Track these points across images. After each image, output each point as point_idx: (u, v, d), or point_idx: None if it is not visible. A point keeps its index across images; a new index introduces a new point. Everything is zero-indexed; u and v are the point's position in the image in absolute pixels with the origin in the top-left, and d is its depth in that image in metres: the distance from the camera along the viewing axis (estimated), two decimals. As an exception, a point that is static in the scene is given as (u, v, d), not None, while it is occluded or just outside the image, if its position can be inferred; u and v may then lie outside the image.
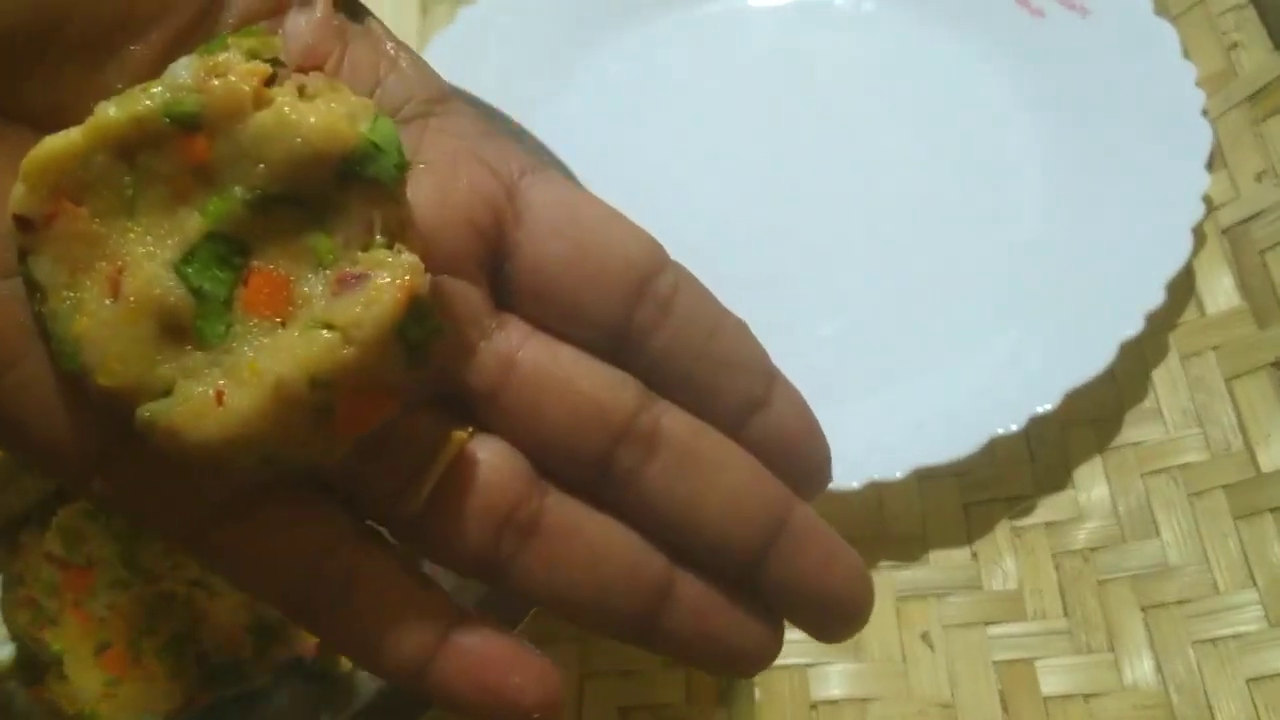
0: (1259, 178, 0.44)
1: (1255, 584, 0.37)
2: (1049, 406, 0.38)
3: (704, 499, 0.21)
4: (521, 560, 0.20)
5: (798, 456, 0.22)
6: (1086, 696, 0.36)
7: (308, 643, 0.34)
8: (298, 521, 0.20)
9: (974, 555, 0.40)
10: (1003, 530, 0.40)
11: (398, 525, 0.21)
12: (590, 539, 0.21)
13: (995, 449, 0.39)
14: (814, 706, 0.38)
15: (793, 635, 0.39)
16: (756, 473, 0.21)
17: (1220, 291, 0.42)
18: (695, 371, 0.21)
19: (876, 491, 0.41)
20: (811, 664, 0.38)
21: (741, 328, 0.22)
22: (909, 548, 0.40)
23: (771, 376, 0.22)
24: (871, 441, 0.40)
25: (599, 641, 0.40)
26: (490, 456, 0.20)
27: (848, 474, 0.38)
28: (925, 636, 0.38)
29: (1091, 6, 0.47)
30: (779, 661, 0.39)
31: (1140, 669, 0.36)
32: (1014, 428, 0.38)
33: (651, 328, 0.21)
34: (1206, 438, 0.40)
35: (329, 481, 0.20)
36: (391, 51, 0.21)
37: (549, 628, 0.40)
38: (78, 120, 0.18)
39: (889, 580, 0.40)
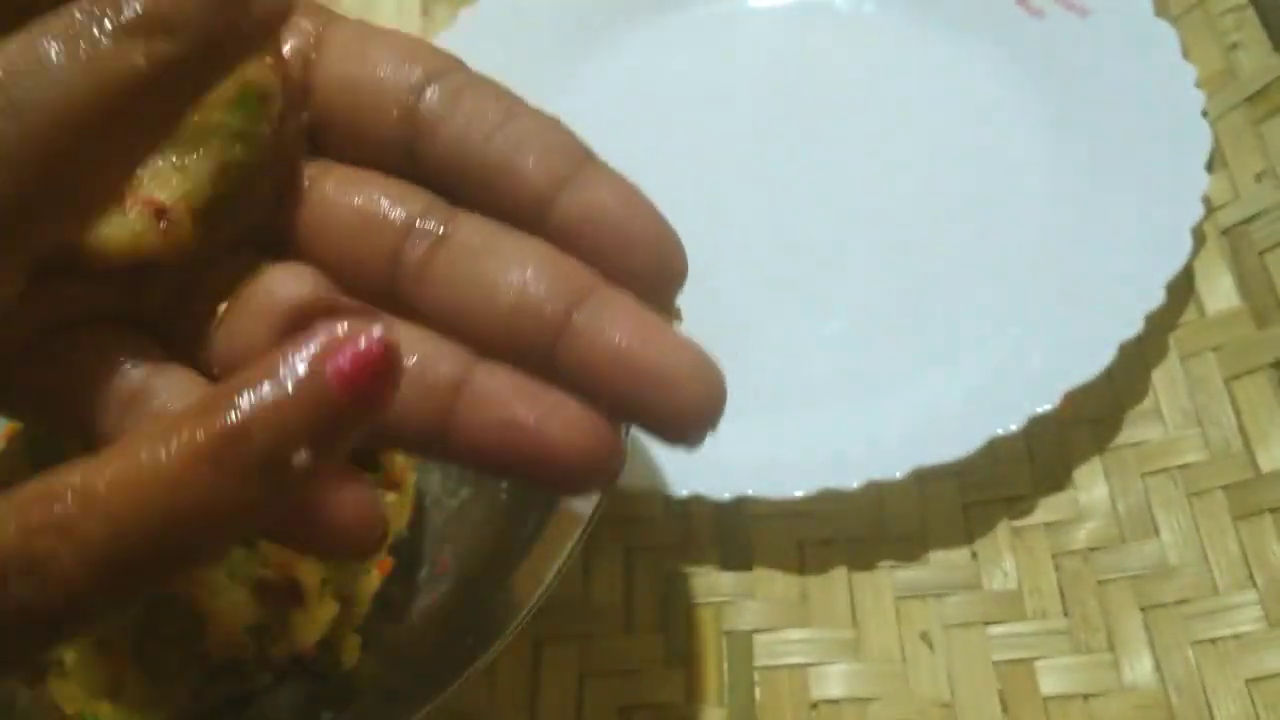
0: (1259, 178, 0.44)
1: (1255, 584, 0.37)
2: (1049, 407, 0.38)
3: (488, 284, 0.19)
4: None
5: (615, 235, 0.19)
6: (1086, 696, 0.36)
7: (308, 642, 0.34)
8: (98, 346, 0.20)
9: (973, 555, 0.40)
10: (1002, 530, 0.40)
11: (197, 355, 0.20)
12: None
13: (995, 449, 0.39)
14: (814, 706, 0.38)
15: (796, 635, 0.40)
16: (548, 255, 0.19)
17: (1220, 292, 0.42)
18: (486, 161, 0.20)
19: (876, 491, 0.41)
20: (811, 664, 0.39)
21: (545, 115, 0.21)
22: (908, 548, 0.40)
23: (582, 156, 0.20)
24: (871, 441, 0.40)
25: (599, 640, 0.40)
26: (282, 272, 0.20)
27: (847, 474, 0.38)
28: (925, 636, 0.38)
29: (1091, 7, 0.47)
30: (778, 661, 0.39)
31: (1140, 669, 0.36)
32: (1013, 428, 0.38)
33: (435, 123, 0.20)
34: (1206, 438, 0.40)
35: (139, 313, 0.20)
36: None
37: (547, 628, 0.40)
38: None
39: (888, 580, 0.40)
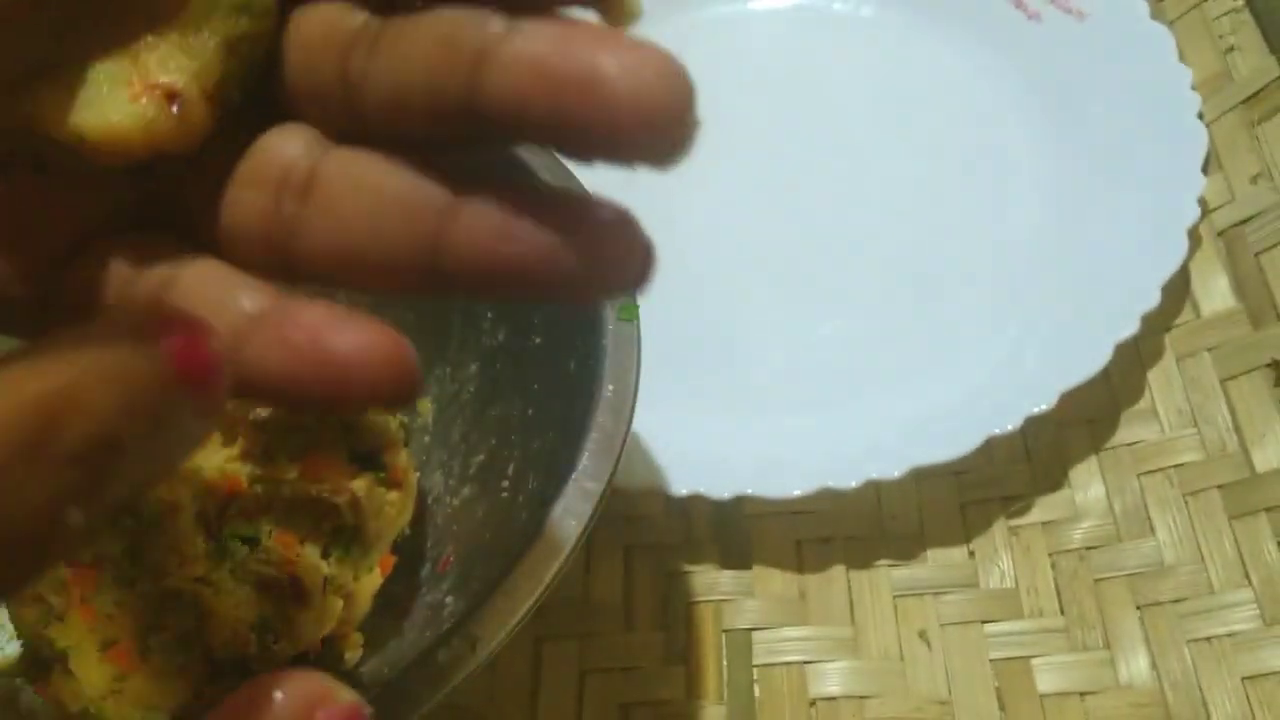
0: (1254, 180, 0.44)
1: (1250, 583, 0.37)
2: (1045, 406, 0.38)
3: (407, 54, 0.17)
4: (305, 222, 0.18)
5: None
6: (1082, 694, 0.37)
7: (311, 640, 0.34)
8: (128, 258, 0.19)
9: (971, 554, 0.40)
10: (999, 529, 0.40)
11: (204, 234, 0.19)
12: (359, 173, 0.18)
13: (992, 449, 0.39)
14: (812, 703, 0.38)
15: (794, 633, 0.40)
16: (476, 11, 0.16)
17: (1215, 293, 0.43)
18: None
19: (874, 490, 0.41)
20: (809, 661, 0.39)
21: None
22: (906, 546, 0.41)
23: None
24: (869, 441, 0.40)
25: (599, 638, 0.40)
26: (277, 134, 0.19)
27: (846, 473, 0.38)
28: (923, 634, 0.39)
29: (1088, 10, 0.48)
30: (777, 659, 0.40)
31: (1136, 667, 0.37)
32: (1010, 428, 0.38)
33: None
34: (1202, 438, 0.40)
35: (151, 212, 0.20)
36: None
37: (547, 626, 0.40)
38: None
39: (886, 579, 0.40)
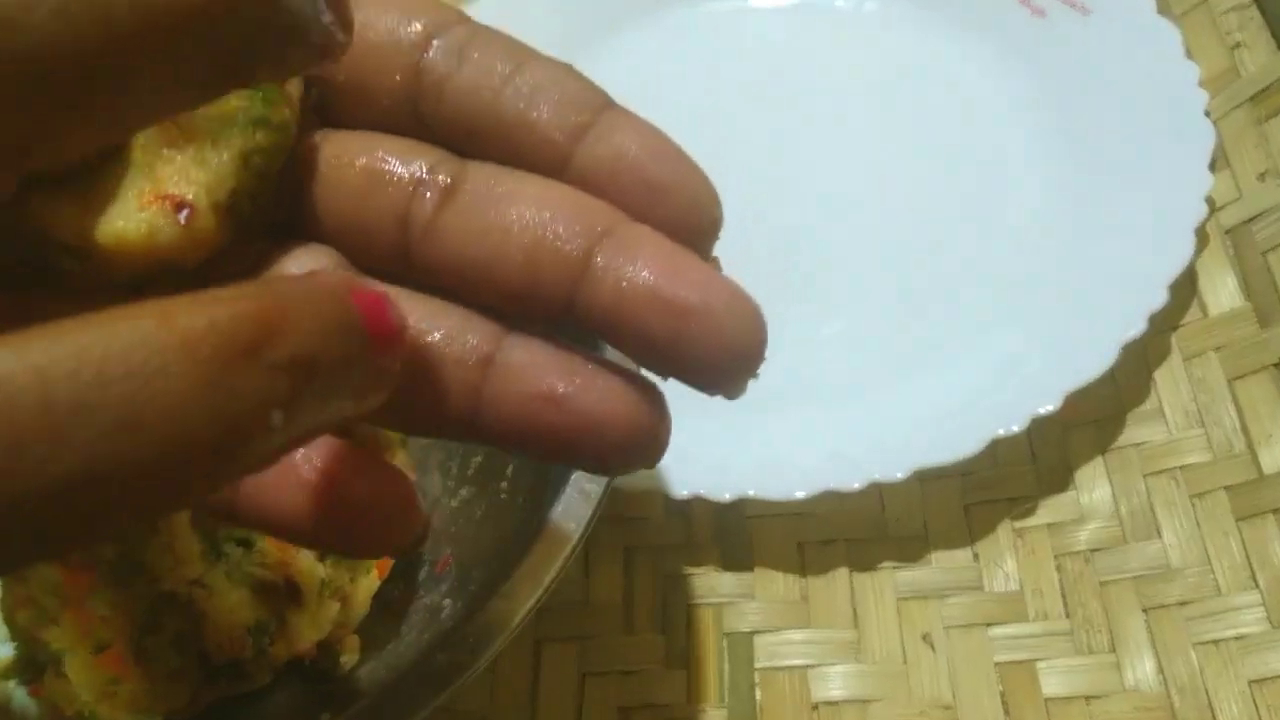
0: (1262, 178, 0.44)
1: (1257, 585, 0.37)
2: (1051, 407, 0.38)
3: (502, 228, 0.17)
4: None
5: (643, 180, 0.17)
6: (1088, 698, 0.36)
7: (307, 643, 0.34)
8: None
9: (975, 556, 0.40)
10: (1004, 531, 0.40)
11: None
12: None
13: (997, 450, 0.38)
14: (815, 707, 0.38)
15: (797, 636, 0.40)
16: (566, 196, 0.17)
17: (1223, 292, 0.42)
18: (500, 110, 0.18)
19: (878, 492, 0.41)
20: (812, 665, 0.38)
21: (559, 64, 0.19)
22: (910, 548, 0.40)
23: (601, 104, 0.18)
24: (873, 442, 0.40)
25: (599, 641, 0.40)
26: (295, 256, 0.18)
27: (848, 474, 0.38)
28: (926, 637, 0.38)
29: (1093, 6, 0.47)
30: (779, 662, 0.39)
31: (1142, 670, 0.36)
32: (1015, 428, 0.38)
33: (443, 76, 0.18)
34: (1209, 439, 0.40)
35: None
36: None
37: (547, 628, 0.40)
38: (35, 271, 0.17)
39: (890, 581, 0.40)
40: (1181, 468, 0.40)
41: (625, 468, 0.17)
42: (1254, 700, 0.35)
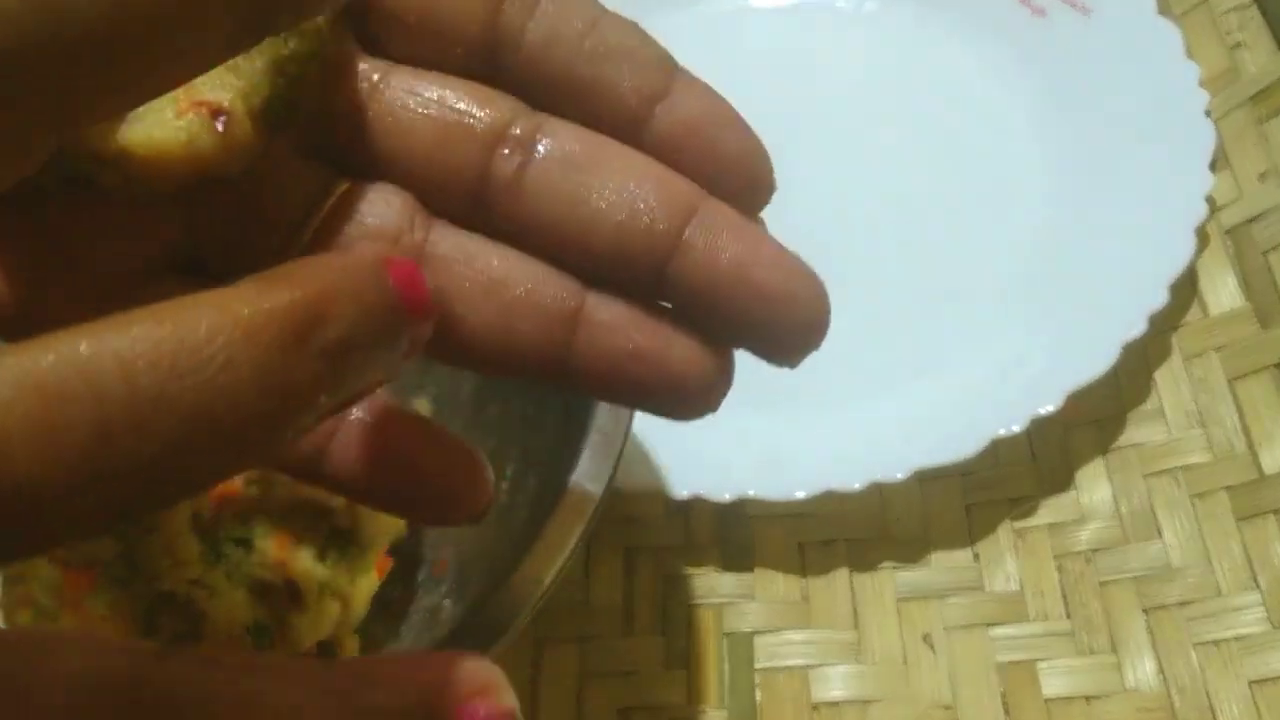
0: (1262, 178, 0.43)
1: (1258, 586, 0.37)
2: (1051, 407, 0.38)
3: (590, 201, 0.18)
4: None
5: (713, 149, 0.19)
6: (1088, 698, 0.36)
7: (307, 644, 0.34)
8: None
9: (976, 556, 0.40)
10: (1005, 531, 0.40)
11: None
12: (483, 265, 0.18)
13: (997, 450, 0.38)
14: (815, 708, 0.38)
15: (797, 636, 0.39)
16: (651, 168, 0.18)
17: (1223, 292, 0.42)
18: (575, 70, 0.18)
19: (878, 492, 0.41)
20: (813, 665, 0.38)
21: (629, 23, 0.20)
22: (911, 549, 0.40)
23: (671, 69, 0.19)
24: (873, 442, 0.40)
25: (599, 642, 0.40)
26: (367, 197, 0.18)
27: (849, 475, 0.38)
28: (927, 638, 0.38)
29: (1094, 6, 0.47)
30: (779, 663, 0.39)
31: (1142, 671, 0.36)
32: (1016, 429, 0.38)
33: (518, 30, 0.18)
34: (1209, 439, 0.40)
35: (206, 255, 0.19)
36: None
37: (546, 629, 0.40)
38: None
39: (890, 581, 0.40)
40: (1182, 468, 0.39)
41: (693, 416, 0.19)
42: (1254, 700, 0.35)
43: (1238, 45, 0.47)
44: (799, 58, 0.52)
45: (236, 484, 0.34)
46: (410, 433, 0.20)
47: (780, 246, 0.19)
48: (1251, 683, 0.35)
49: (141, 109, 0.18)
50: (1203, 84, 0.44)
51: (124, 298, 0.17)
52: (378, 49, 0.19)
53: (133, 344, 0.13)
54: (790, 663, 0.39)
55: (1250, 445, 0.39)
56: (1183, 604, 0.37)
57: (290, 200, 0.19)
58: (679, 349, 0.18)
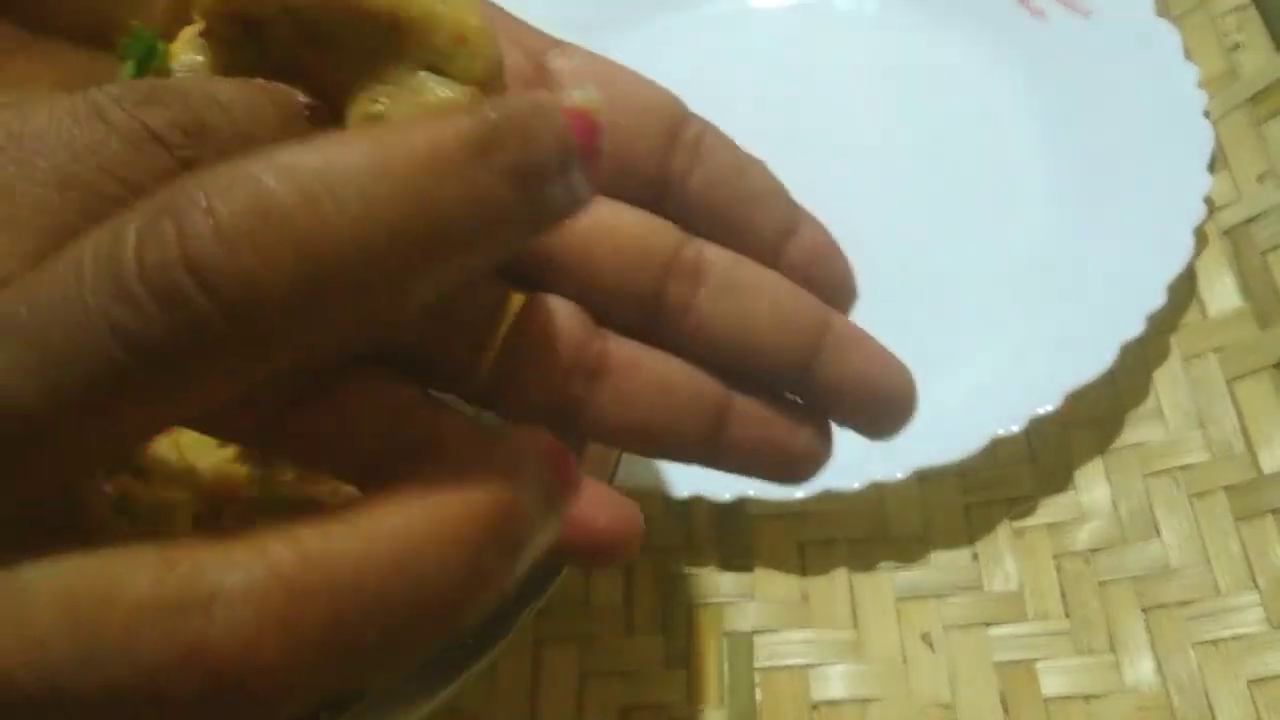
0: (1261, 179, 0.44)
1: (1256, 585, 0.37)
2: (1050, 407, 0.38)
3: (752, 319, 0.22)
4: (593, 401, 0.21)
5: (830, 274, 0.24)
6: (1087, 698, 0.36)
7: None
8: (372, 394, 0.20)
9: (975, 556, 0.40)
10: (1004, 531, 0.40)
11: (466, 389, 0.21)
12: (653, 372, 0.22)
13: (996, 450, 0.39)
14: (814, 707, 0.38)
15: (797, 635, 0.40)
16: (796, 292, 0.23)
17: (1222, 293, 0.42)
18: (730, 208, 0.23)
19: (877, 492, 0.41)
20: (812, 664, 0.38)
21: (764, 166, 0.25)
22: (909, 548, 0.40)
23: (795, 206, 0.25)
24: (872, 442, 0.39)
25: (599, 641, 0.40)
26: (549, 311, 0.21)
27: (848, 475, 0.38)
28: (926, 637, 0.38)
29: (1093, 8, 0.47)
30: (779, 662, 0.39)
31: (1141, 670, 0.36)
32: (1015, 428, 0.38)
33: (686, 173, 0.23)
34: (1208, 439, 0.40)
35: (395, 358, 0.21)
36: None
37: (546, 629, 0.40)
38: (111, 28, 0.18)
39: (889, 581, 0.40)
40: (1181, 468, 0.40)
41: (800, 484, 0.24)
42: (1253, 700, 0.35)
43: (1236, 46, 0.47)
44: (799, 58, 0.52)
45: (239, 483, 0.34)
46: (586, 491, 0.22)
47: (896, 359, 0.24)
48: (1250, 682, 0.35)
49: None
50: (1201, 85, 0.44)
51: (327, 391, 0.20)
52: None
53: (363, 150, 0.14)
54: (790, 662, 0.39)
55: (1249, 445, 0.39)
56: (1181, 604, 0.37)
57: (476, 312, 0.21)
58: (803, 437, 0.23)
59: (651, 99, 0.23)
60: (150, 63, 0.18)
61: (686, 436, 0.22)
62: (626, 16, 0.53)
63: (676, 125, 0.23)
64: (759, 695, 0.38)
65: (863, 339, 0.24)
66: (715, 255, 0.22)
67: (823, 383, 0.23)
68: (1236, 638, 0.36)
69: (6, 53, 0.19)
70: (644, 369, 0.22)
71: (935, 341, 0.43)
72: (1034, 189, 0.46)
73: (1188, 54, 0.45)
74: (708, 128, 0.24)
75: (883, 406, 0.24)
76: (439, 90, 0.18)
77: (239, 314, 0.13)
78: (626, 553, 0.22)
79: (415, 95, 0.18)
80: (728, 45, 0.53)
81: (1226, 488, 0.39)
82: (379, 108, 0.18)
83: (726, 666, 0.39)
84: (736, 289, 0.22)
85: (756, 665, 0.39)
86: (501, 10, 0.23)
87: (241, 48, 0.18)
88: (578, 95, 0.18)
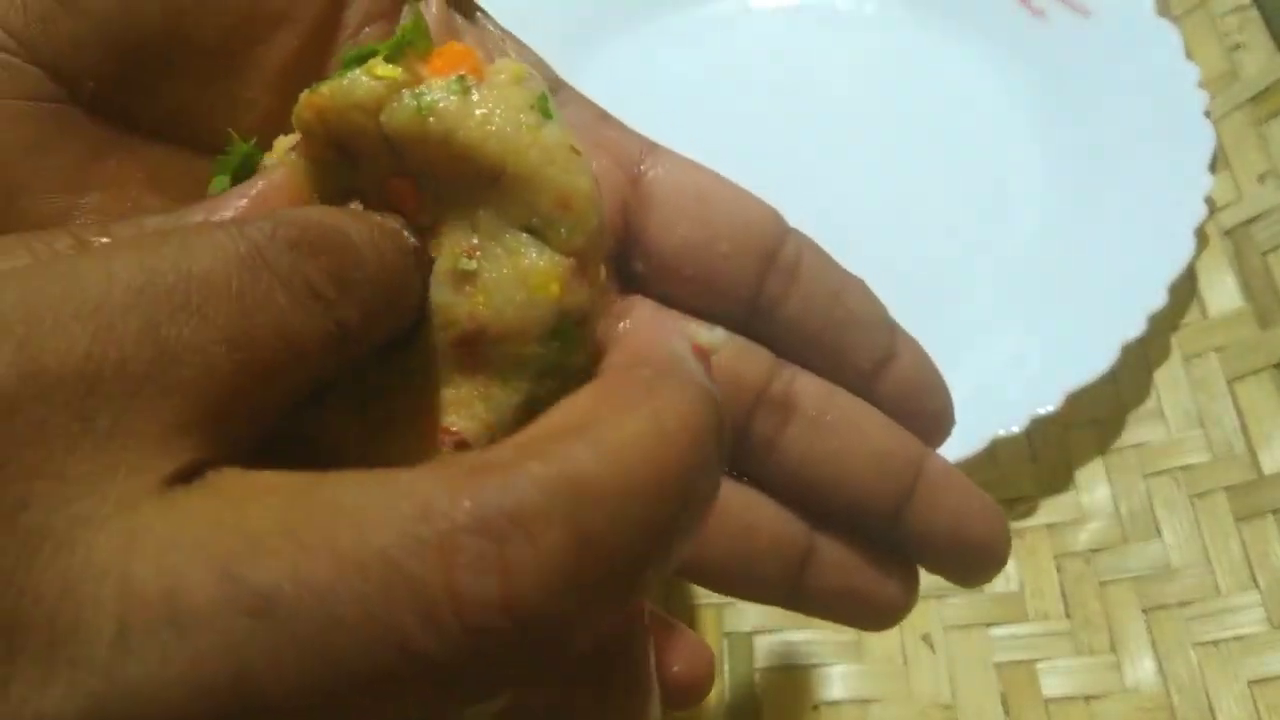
0: (1261, 179, 0.44)
1: (1257, 586, 0.37)
2: (1051, 408, 0.38)
3: (842, 459, 0.21)
4: None
5: (926, 406, 0.23)
6: (1088, 698, 0.36)
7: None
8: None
9: (975, 556, 0.40)
10: (1004, 531, 0.40)
11: None
12: (736, 513, 0.21)
13: (997, 450, 0.38)
14: (815, 707, 0.38)
15: (797, 636, 0.39)
16: (889, 429, 0.22)
17: (1222, 293, 0.42)
18: (825, 333, 0.22)
19: (878, 492, 0.41)
20: (813, 665, 0.38)
21: (862, 286, 0.24)
22: (910, 549, 0.40)
23: (893, 330, 0.23)
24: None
25: (600, 642, 0.40)
26: None
27: (849, 475, 0.38)
28: (926, 638, 0.38)
29: (1093, 8, 0.47)
30: (779, 663, 0.39)
31: (1142, 670, 0.36)
32: (1015, 429, 0.38)
33: (781, 296, 0.22)
34: (1208, 439, 0.40)
35: None
36: (500, 42, 0.22)
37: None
38: (204, 128, 0.18)
39: (890, 581, 0.40)
40: (1181, 468, 0.40)
41: (880, 630, 0.23)
42: (1253, 700, 0.35)
43: (1237, 47, 0.47)
44: (799, 58, 0.52)
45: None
46: (664, 635, 0.21)
47: (978, 491, 0.23)
48: (1250, 682, 0.35)
49: (392, 422, 0.18)
50: (1202, 85, 0.44)
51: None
52: (635, 284, 0.21)
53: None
54: (791, 662, 0.39)
55: (1249, 446, 0.39)
56: (1182, 604, 0.37)
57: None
58: (890, 588, 0.22)
59: (751, 215, 0.22)
60: (246, 176, 0.18)
61: (767, 582, 0.21)
62: (626, 16, 0.53)
63: (775, 244, 0.22)
64: (759, 696, 0.38)
65: (956, 482, 0.22)
66: (806, 386, 0.22)
67: (913, 529, 0.22)
68: (1237, 638, 0.36)
69: (98, 154, 0.18)
70: (726, 510, 0.21)
71: (935, 341, 0.43)
72: (1033, 189, 0.46)
73: (1188, 54, 0.45)
74: (806, 245, 0.23)
75: (974, 557, 0.22)
76: (537, 258, 0.17)
77: (543, 651, 0.13)
78: (698, 698, 0.21)
79: (510, 257, 0.18)
80: (728, 45, 0.53)
81: (1227, 488, 0.39)
82: (471, 265, 0.18)
83: (727, 667, 0.39)
84: (826, 426, 0.21)
85: (757, 665, 0.39)
86: (595, 108, 0.22)
87: (334, 169, 0.18)
88: (704, 337, 0.19)
